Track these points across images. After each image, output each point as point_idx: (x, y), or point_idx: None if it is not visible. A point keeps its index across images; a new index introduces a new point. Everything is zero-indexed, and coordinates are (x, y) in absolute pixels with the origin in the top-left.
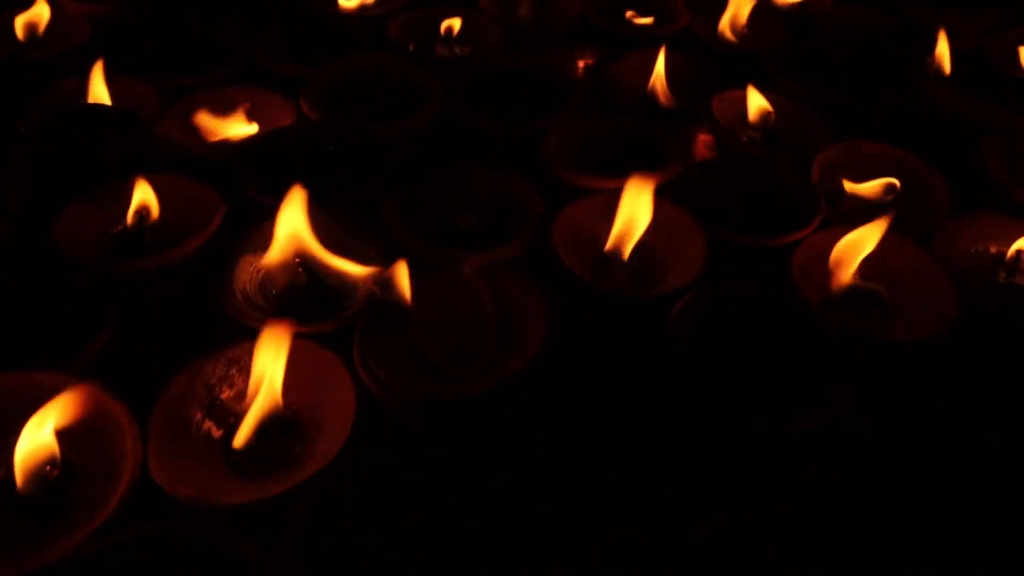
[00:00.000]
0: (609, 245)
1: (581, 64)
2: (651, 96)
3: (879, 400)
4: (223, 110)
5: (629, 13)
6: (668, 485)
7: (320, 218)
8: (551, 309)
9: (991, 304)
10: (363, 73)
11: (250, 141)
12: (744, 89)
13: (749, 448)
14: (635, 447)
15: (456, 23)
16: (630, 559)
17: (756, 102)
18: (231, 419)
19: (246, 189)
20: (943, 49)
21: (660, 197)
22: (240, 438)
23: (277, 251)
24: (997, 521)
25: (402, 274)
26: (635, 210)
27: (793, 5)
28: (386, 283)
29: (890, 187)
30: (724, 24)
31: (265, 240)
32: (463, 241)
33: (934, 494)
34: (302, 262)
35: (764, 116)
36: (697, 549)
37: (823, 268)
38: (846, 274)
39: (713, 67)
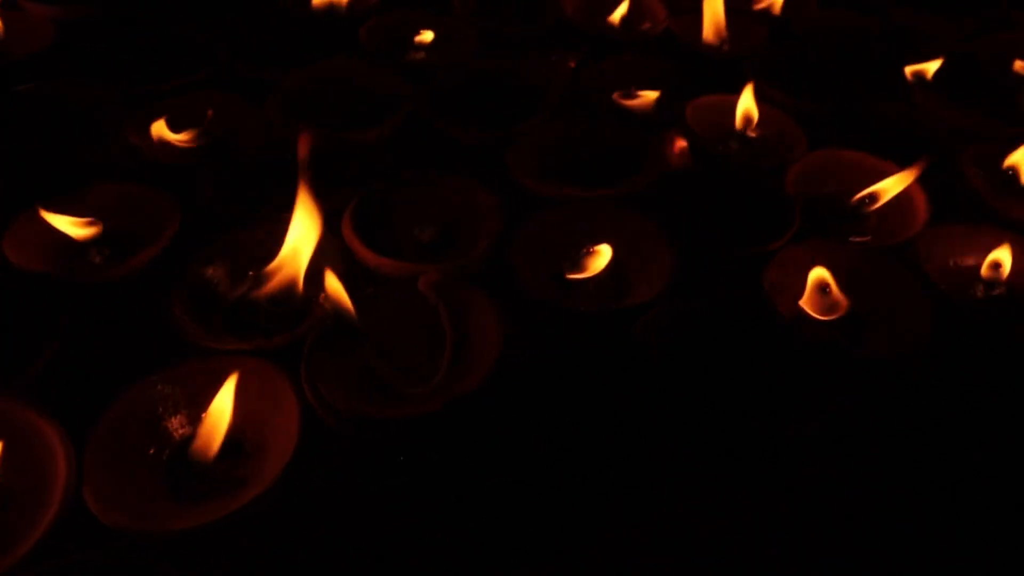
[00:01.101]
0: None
1: (562, 68)
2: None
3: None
4: (187, 116)
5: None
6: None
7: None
8: (503, 325)
9: (967, 319)
10: (332, 78)
11: (211, 149)
12: (721, 94)
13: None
14: (615, 453)
15: (429, 33)
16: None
17: (746, 107)
18: (174, 441)
19: (204, 197)
20: (927, 55)
21: (627, 207)
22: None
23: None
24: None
25: (336, 286)
26: None
27: (775, 8)
28: (330, 297)
29: (870, 197)
30: (708, 31)
31: (224, 249)
32: (424, 253)
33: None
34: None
35: (747, 123)
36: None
37: (799, 280)
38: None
39: (691, 71)
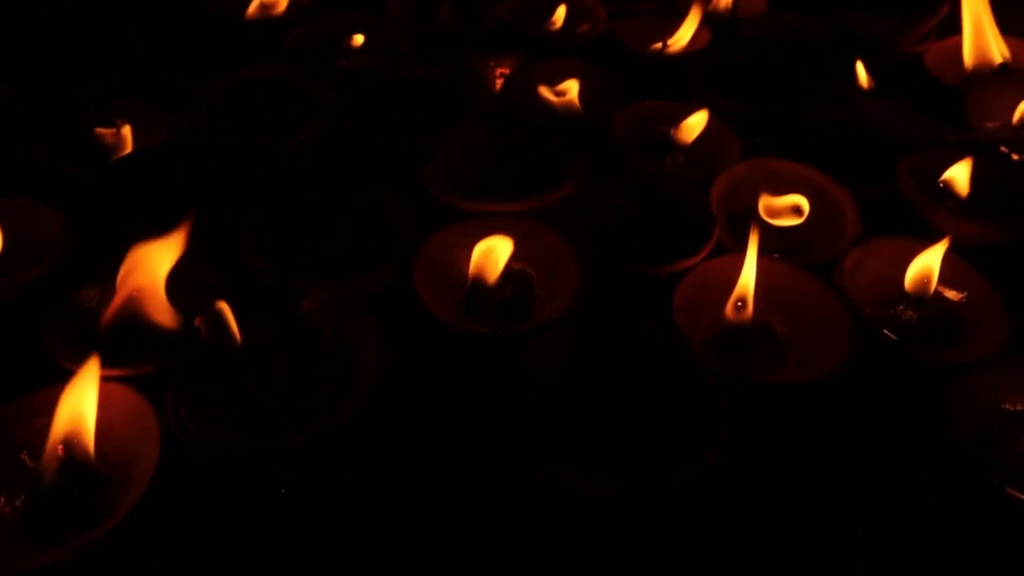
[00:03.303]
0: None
1: (497, 73)
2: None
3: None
4: (99, 125)
5: None
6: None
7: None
8: (383, 352)
9: (886, 340)
10: (255, 86)
11: (115, 161)
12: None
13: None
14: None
15: (359, 38)
16: None
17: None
18: (28, 477)
19: (101, 213)
20: (870, 60)
21: (540, 222)
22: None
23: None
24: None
25: (225, 313)
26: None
27: (722, 11)
28: (212, 321)
29: (796, 208)
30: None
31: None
32: (328, 269)
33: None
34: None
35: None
36: None
37: (716, 299)
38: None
39: (628, 77)
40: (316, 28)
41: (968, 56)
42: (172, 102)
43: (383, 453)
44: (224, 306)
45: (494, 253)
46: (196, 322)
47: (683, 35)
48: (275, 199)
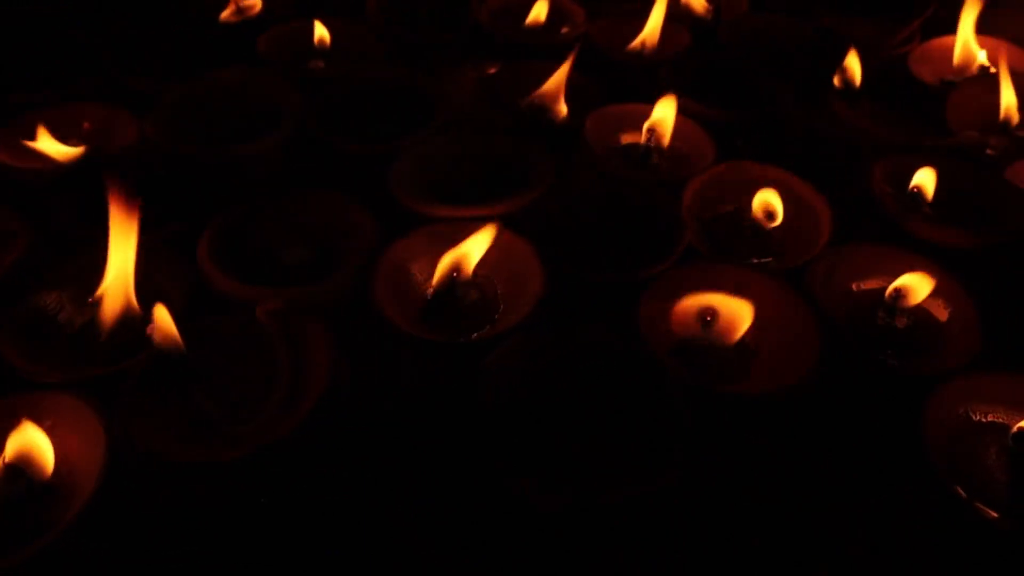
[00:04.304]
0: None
1: (464, 78)
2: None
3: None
4: (62, 129)
5: None
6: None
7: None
8: (334, 364)
9: (861, 350)
10: (224, 90)
11: (75, 164)
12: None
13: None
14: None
15: (326, 35)
16: None
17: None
18: None
19: (58, 218)
20: (852, 62)
21: (507, 226)
22: None
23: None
24: None
25: (165, 319)
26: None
27: (702, 14)
28: (158, 329)
29: (769, 212)
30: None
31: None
32: (290, 277)
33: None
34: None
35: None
36: None
37: (684, 307)
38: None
39: (607, 80)
40: (290, 32)
41: (959, 55)
42: (142, 107)
43: (337, 463)
44: (164, 311)
45: (466, 258)
46: (148, 330)
47: (650, 32)
48: (237, 204)
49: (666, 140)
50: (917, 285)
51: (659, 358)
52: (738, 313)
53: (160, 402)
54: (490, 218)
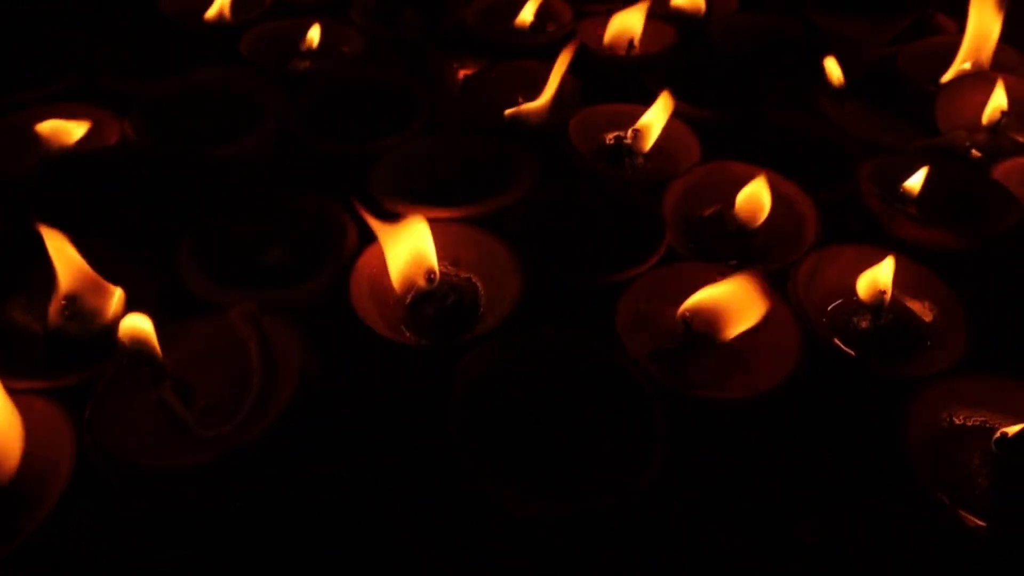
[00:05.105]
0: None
1: (458, 76)
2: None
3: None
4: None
5: None
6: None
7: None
8: (302, 369)
9: (843, 352)
10: (205, 90)
11: (53, 165)
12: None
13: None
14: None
15: (315, 36)
16: None
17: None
18: None
19: (31, 218)
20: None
21: (483, 228)
22: None
23: None
24: None
25: (142, 322)
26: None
27: (692, 12)
28: (131, 332)
29: (755, 207)
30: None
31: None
32: (269, 279)
33: None
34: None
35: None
36: None
37: (663, 309)
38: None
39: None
40: (273, 31)
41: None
42: (124, 108)
43: (316, 465)
44: (140, 317)
45: (417, 252)
46: (120, 332)
47: (621, 29)
48: (216, 206)
49: (648, 143)
50: (881, 281)
51: (637, 362)
52: (743, 310)
53: (133, 405)
54: (470, 220)
